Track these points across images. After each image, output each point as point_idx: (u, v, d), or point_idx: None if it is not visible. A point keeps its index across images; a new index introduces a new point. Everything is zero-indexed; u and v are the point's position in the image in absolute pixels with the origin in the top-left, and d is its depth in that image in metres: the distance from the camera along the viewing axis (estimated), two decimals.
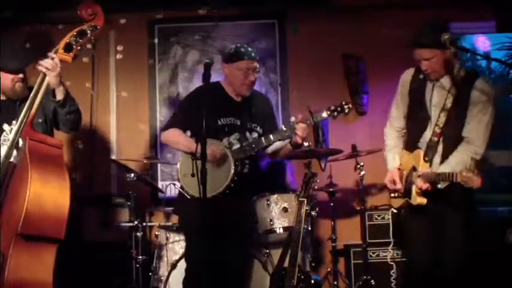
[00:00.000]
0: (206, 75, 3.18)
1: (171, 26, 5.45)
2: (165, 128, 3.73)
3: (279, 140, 3.53)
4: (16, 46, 3.42)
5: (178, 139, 3.59)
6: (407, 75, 3.47)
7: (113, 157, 5.27)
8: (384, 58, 5.27)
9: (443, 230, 3.23)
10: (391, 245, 4.58)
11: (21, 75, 3.35)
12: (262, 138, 3.54)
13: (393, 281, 4.62)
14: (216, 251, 3.41)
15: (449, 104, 3.19)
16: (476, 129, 3.17)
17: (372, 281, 4.45)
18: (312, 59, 5.34)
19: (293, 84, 5.37)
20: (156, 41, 5.41)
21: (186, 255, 3.67)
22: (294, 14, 5.40)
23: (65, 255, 3.00)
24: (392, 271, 4.62)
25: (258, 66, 3.61)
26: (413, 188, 3.20)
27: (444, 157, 3.21)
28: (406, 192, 3.28)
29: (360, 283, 4.52)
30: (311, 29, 5.38)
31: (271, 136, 3.51)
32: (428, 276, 3.29)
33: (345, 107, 3.48)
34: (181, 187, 3.54)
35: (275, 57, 5.40)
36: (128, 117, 5.42)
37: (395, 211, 3.53)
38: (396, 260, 4.62)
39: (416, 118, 3.37)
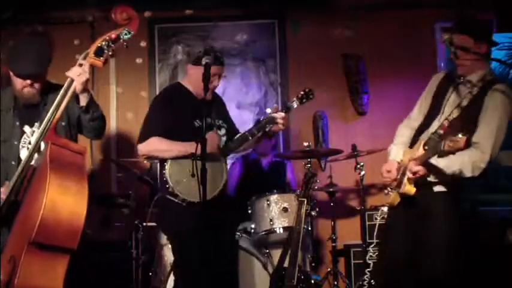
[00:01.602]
0: (206, 75, 3.18)
1: (171, 26, 5.45)
2: (142, 138, 3.49)
3: (261, 131, 3.53)
4: (30, 51, 3.27)
5: (169, 146, 3.40)
6: (439, 74, 3.40)
7: (113, 157, 5.26)
8: (383, 58, 5.28)
9: (424, 232, 3.12)
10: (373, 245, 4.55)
11: (29, 81, 3.22)
12: (247, 133, 3.53)
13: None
14: (212, 253, 3.38)
15: (465, 102, 3.10)
16: (488, 136, 3.04)
17: (372, 281, 4.45)
18: (312, 59, 5.34)
19: (293, 84, 5.37)
20: (156, 39, 5.42)
21: (181, 265, 3.51)
22: (294, 14, 5.40)
23: None
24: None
25: (223, 72, 3.58)
26: (405, 177, 3.12)
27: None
28: (398, 185, 3.21)
29: (360, 283, 4.52)
30: (311, 29, 5.39)
31: (254, 130, 3.52)
32: (401, 275, 3.23)
33: (310, 94, 3.64)
34: (175, 196, 3.39)
35: (275, 57, 5.41)
36: (128, 117, 5.42)
37: (385, 210, 3.49)
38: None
39: (428, 114, 3.29)
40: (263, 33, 5.42)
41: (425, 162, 3.01)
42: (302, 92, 3.62)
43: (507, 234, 4.44)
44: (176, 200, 3.39)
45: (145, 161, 4.90)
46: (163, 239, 4.37)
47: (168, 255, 4.28)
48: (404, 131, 3.41)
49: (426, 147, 3.10)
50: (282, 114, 3.49)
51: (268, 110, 3.56)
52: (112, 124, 5.40)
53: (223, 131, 3.64)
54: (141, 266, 4.45)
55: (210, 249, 3.26)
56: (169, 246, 4.26)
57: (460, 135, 2.74)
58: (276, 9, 5.43)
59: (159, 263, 4.38)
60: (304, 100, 3.62)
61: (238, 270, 3.77)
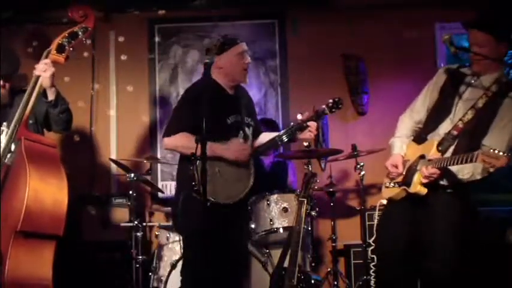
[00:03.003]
0: (206, 75, 3.16)
1: (171, 26, 5.45)
2: (169, 132, 3.41)
3: (290, 138, 3.49)
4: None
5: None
6: (448, 68, 3.33)
7: (113, 157, 5.27)
8: (384, 58, 5.28)
9: (429, 224, 3.10)
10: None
11: (1, 82, 3.37)
12: (276, 138, 3.47)
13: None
14: (222, 254, 3.38)
15: (480, 104, 3.04)
16: (500, 141, 2.99)
17: (372, 281, 4.45)
18: (312, 59, 5.34)
19: (293, 84, 5.37)
20: (156, 39, 5.42)
21: (195, 264, 3.40)
22: (294, 14, 5.40)
23: (65, 255, 3.00)
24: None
25: (246, 47, 3.57)
26: (416, 176, 3.09)
27: (456, 151, 3.04)
28: (405, 181, 3.17)
29: (360, 283, 4.52)
30: (311, 29, 5.39)
31: (284, 137, 3.46)
32: (398, 268, 3.19)
33: (339, 103, 3.48)
34: (200, 195, 3.19)
35: (275, 57, 5.40)
36: (128, 117, 5.42)
37: (384, 202, 3.45)
38: None
39: (437, 111, 3.23)
40: (263, 33, 5.42)
41: (441, 165, 2.96)
42: (331, 101, 3.46)
43: (507, 234, 4.44)
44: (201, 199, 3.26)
45: (145, 161, 4.90)
46: (163, 239, 4.37)
47: (168, 255, 4.28)
48: (407, 123, 3.37)
49: (440, 148, 3.08)
50: (315, 124, 3.43)
51: (299, 116, 3.47)
52: (112, 124, 5.40)
53: (251, 130, 3.58)
54: (141, 266, 4.45)
55: (229, 249, 3.31)
56: (169, 246, 4.28)
57: (501, 153, 2.66)
58: (276, 9, 5.43)
59: (159, 263, 4.38)
60: (333, 110, 3.47)
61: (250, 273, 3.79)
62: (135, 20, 5.44)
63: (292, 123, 3.52)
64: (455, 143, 3.08)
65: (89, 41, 3.12)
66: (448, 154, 3.07)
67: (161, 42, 5.43)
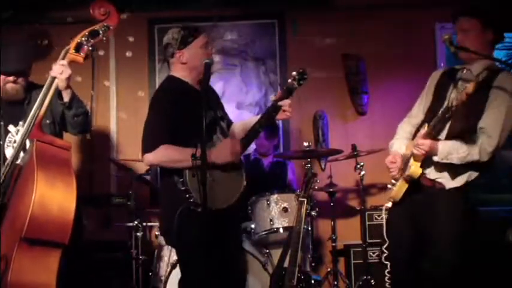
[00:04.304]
0: (206, 76, 3.11)
1: (171, 26, 5.43)
2: (150, 147, 3.13)
3: (269, 121, 3.29)
4: (12, 49, 3.35)
5: (183, 156, 2.98)
6: (438, 71, 3.36)
7: (113, 157, 5.26)
8: (383, 58, 5.28)
9: (431, 225, 3.10)
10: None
11: (11, 78, 3.29)
12: (257, 125, 3.22)
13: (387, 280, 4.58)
14: (230, 261, 3.26)
15: (471, 89, 2.97)
16: (494, 120, 3.00)
17: (372, 281, 4.45)
18: (312, 59, 5.34)
19: None
20: (156, 39, 5.42)
21: (200, 275, 3.11)
22: (294, 14, 5.41)
23: (65, 255, 2.99)
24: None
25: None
26: (411, 160, 3.10)
27: (450, 134, 3.06)
28: (403, 172, 3.18)
29: (360, 283, 4.52)
30: (311, 29, 5.39)
31: (263, 121, 3.22)
32: (408, 272, 3.20)
33: (304, 74, 3.22)
34: (198, 206, 3.00)
35: (275, 57, 5.41)
36: (128, 117, 5.42)
37: (389, 206, 3.46)
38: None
39: (432, 108, 3.23)
40: (263, 33, 5.42)
41: (432, 137, 2.99)
42: (296, 73, 3.21)
43: (507, 234, 4.44)
44: (199, 210, 2.99)
45: None
46: (163, 238, 4.36)
47: (168, 255, 4.28)
48: (406, 127, 3.40)
49: (432, 124, 3.07)
50: (288, 101, 3.21)
51: (272, 97, 3.34)
52: (112, 124, 5.41)
53: (225, 123, 3.37)
54: (141, 266, 4.45)
55: (229, 256, 3.21)
56: (169, 246, 4.26)
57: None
58: (276, 9, 5.43)
59: (159, 263, 4.38)
60: (301, 81, 3.22)
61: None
62: (135, 20, 5.44)
63: (268, 106, 3.36)
64: (449, 125, 3.08)
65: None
66: (441, 137, 3.08)
67: (161, 43, 5.42)
